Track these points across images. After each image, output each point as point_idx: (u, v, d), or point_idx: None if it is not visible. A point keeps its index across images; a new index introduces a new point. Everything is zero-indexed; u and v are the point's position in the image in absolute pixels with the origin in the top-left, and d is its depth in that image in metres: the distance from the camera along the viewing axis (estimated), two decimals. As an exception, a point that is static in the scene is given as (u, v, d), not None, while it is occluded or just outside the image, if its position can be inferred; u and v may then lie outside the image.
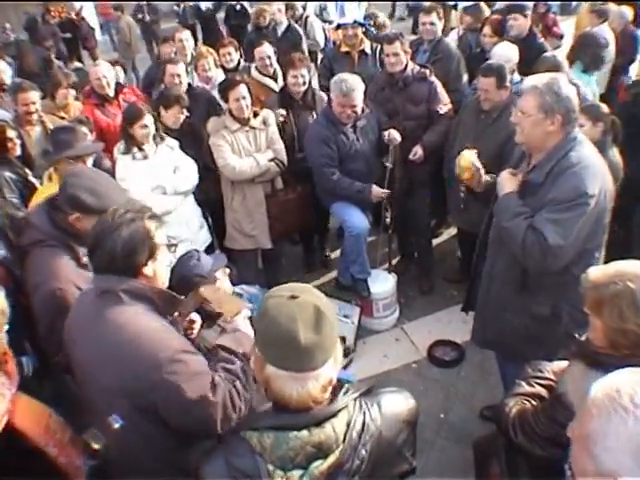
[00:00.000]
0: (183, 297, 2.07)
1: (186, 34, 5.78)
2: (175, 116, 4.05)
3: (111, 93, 4.75)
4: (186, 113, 4.12)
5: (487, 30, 5.30)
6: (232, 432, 1.42)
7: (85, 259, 2.40)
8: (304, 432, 1.30)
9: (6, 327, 2.03)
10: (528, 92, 2.51)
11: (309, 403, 1.31)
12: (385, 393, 1.51)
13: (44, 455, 1.99)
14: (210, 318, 2.57)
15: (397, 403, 1.51)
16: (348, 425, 1.35)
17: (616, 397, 1.11)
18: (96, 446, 2.00)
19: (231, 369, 1.92)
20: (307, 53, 7.02)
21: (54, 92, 4.71)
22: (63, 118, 4.50)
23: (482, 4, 6.52)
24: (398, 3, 15.62)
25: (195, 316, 2.38)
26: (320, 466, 1.30)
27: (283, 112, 4.42)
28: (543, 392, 2.05)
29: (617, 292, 1.70)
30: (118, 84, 5.03)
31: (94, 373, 1.86)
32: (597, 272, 1.82)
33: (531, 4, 5.72)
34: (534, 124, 2.49)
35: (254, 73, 5.13)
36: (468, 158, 3.09)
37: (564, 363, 2.04)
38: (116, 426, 1.77)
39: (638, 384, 1.12)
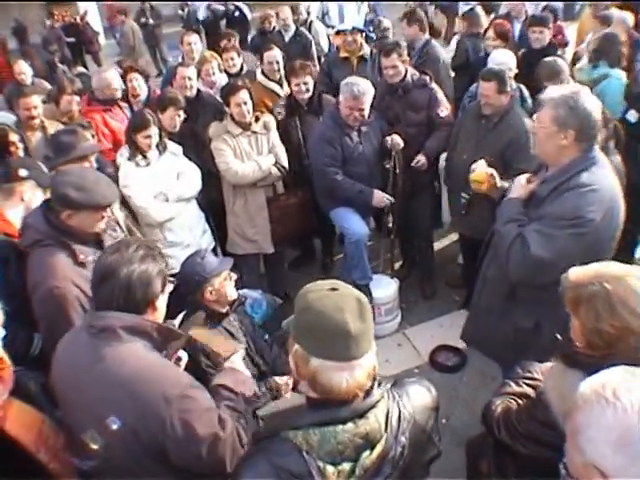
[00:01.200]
0: (176, 321, 2.06)
1: (194, 37, 5.81)
2: (171, 118, 4.05)
3: (119, 95, 4.74)
4: (183, 115, 4.12)
5: (491, 34, 5.32)
6: (271, 434, 1.40)
7: (82, 257, 2.43)
8: (350, 425, 1.33)
9: (3, 332, 2.03)
10: (545, 103, 2.47)
11: (356, 391, 1.34)
12: (410, 383, 1.59)
13: (36, 461, 1.98)
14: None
15: (422, 392, 1.59)
16: (387, 415, 1.40)
17: (601, 390, 1.16)
18: (94, 447, 2.00)
19: (235, 407, 1.91)
20: (316, 59, 7.07)
21: (58, 98, 4.71)
22: (65, 124, 4.50)
23: (479, 9, 6.54)
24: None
25: (182, 353, 2.28)
26: (370, 456, 1.34)
27: (279, 109, 4.44)
28: (530, 392, 2.06)
29: (594, 293, 1.72)
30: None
31: (93, 414, 1.78)
32: (577, 272, 1.84)
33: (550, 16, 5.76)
34: (547, 136, 2.45)
35: (260, 77, 5.15)
36: (482, 171, 3.06)
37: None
38: (114, 427, 1.75)
39: (625, 380, 1.17)
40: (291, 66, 4.49)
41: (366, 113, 3.99)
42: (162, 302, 1.94)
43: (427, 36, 5.56)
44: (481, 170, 3.05)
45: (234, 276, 2.74)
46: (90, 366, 1.78)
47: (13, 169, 2.82)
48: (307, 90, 4.39)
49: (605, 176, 2.45)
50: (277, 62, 5.11)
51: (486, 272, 2.89)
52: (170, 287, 1.98)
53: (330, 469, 1.30)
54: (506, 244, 2.53)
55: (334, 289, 1.36)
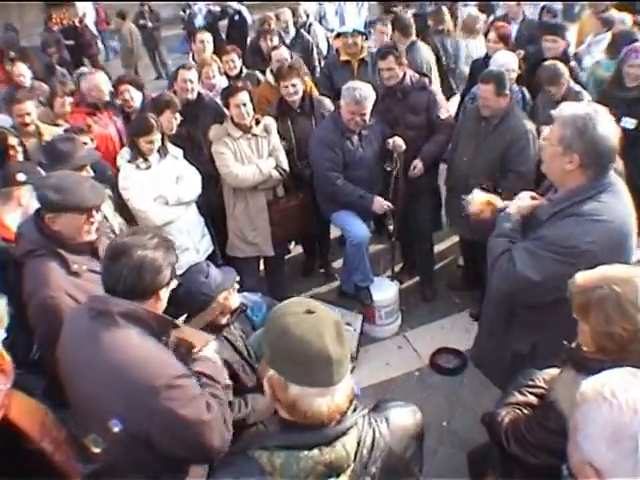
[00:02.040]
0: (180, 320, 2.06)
1: (207, 36, 5.86)
2: (168, 121, 4.04)
3: (107, 99, 4.73)
4: (179, 117, 4.12)
5: (492, 36, 5.31)
6: (238, 451, 1.40)
7: (75, 267, 2.42)
8: (315, 451, 1.28)
9: (4, 334, 2.03)
10: (556, 119, 2.27)
11: (336, 415, 1.31)
12: (392, 408, 1.51)
13: (40, 453, 2.00)
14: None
15: (405, 418, 1.51)
16: (358, 442, 1.34)
17: (600, 389, 1.18)
18: (96, 450, 2.00)
19: (217, 394, 1.93)
20: (317, 61, 7.08)
21: (52, 101, 4.73)
22: (58, 125, 4.50)
23: (475, 10, 6.62)
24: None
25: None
26: None
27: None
28: (535, 401, 2.05)
29: (603, 296, 1.71)
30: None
31: (87, 395, 1.85)
32: (584, 276, 1.82)
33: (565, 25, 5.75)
34: (553, 156, 2.27)
35: (269, 76, 5.16)
36: (479, 200, 2.93)
37: (555, 371, 2.04)
38: (116, 430, 1.76)
39: (624, 379, 1.20)
40: (279, 69, 4.49)
41: (367, 118, 3.99)
42: (165, 294, 1.96)
43: (413, 38, 5.66)
44: (477, 199, 2.87)
45: (237, 285, 2.71)
46: (86, 347, 1.85)
47: (11, 173, 2.81)
48: (295, 92, 4.36)
49: (616, 206, 2.24)
50: (286, 59, 5.12)
51: (488, 295, 2.81)
52: (174, 283, 2.00)
53: None
54: (493, 256, 2.44)
55: (310, 312, 1.31)
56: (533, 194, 2.54)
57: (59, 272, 2.39)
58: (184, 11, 12.60)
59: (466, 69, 6.05)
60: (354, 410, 1.37)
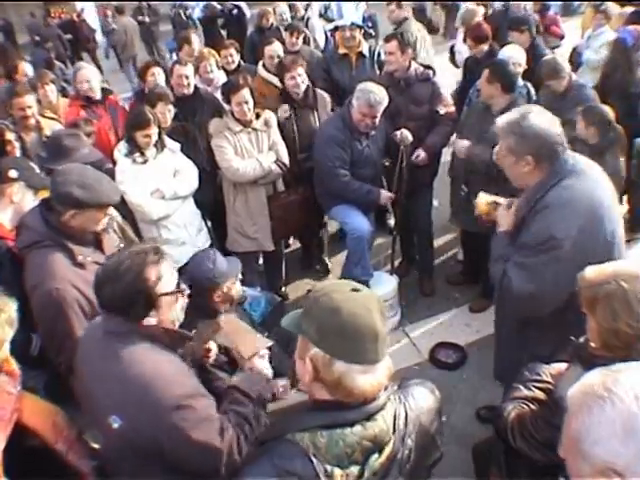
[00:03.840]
0: (194, 333, 2.01)
1: (194, 37, 5.90)
2: (162, 113, 4.02)
3: (98, 96, 4.70)
4: (173, 110, 4.12)
5: (470, 42, 5.27)
6: (276, 437, 1.35)
7: (80, 258, 2.40)
8: (358, 427, 1.29)
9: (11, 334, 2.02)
10: (498, 132, 2.38)
11: (377, 393, 1.33)
12: (414, 385, 1.57)
13: (53, 454, 1.98)
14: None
15: (426, 393, 1.56)
16: (394, 417, 1.37)
17: (590, 390, 1.14)
18: (96, 446, 1.99)
19: (242, 412, 1.88)
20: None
21: (37, 92, 4.70)
22: (54, 118, 4.50)
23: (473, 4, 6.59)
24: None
25: (212, 344, 2.29)
26: (378, 459, 1.32)
27: (286, 107, 4.38)
28: (541, 395, 2.03)
29: (610, 292, 1.70)
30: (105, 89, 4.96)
31: (99, 410, 1.81)
32: (593, 271, 1.81)
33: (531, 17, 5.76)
34: (509, 166, 2.37)
35: (261, 70, 5.14)
36: (483, 202, 2.93)
37: (562, 365, 2.03)
38: (115, 426, 1.75)
39: (606, 375, 1.16)
40: (281, 62, 4.46)
41: (377, 121, 3.94)
42: (159, 317, 1.85)
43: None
44: (482, 201, 2.88)
45: (240, 276, 2.71)
46: (99, 361, 1.81)
47: (3, 170, 2.77)
48: (302, 82, 4.35)
49: (580, 186, 2.29)
50: (278, 56, 5.10)
51: (497, 306, 2.82)
52: (174, 299, 1.90)
53: (338, 472, 1.27)
54: (497, 282, 2.44)
55: (356, 290, 1.33)
56: (507, 202, 2.55)
57: (65, 263, 2.38)
58: (173, 7, 12.57)
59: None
60: (385, 388, 1.39)
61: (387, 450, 1.33)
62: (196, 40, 5.90)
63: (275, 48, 5.14)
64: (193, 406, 1.74)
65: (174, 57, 6.31)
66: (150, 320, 1.83)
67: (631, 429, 1.08)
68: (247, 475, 1.32)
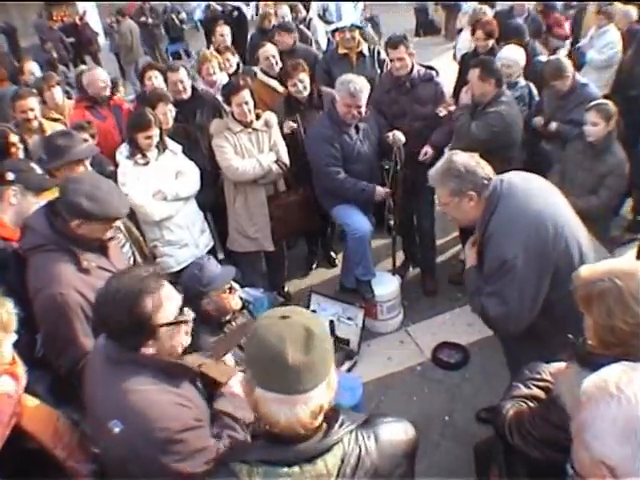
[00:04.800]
0: (193, 366, 1.95)
1: (227, 29, 6.13)
2: (163, 114, 4.04)
3: (107, 94, 4.77)
4: (174, 110, 4.13)
5: (479, 34, 5.28)
6: (221, 463, 1.36)
7: (85, 263, 2.39)
8: (295, 468, 1.24)
9: (15, 337, 2.01)
10: (435, 185, 2.59)
11: (298, 429, 1.26)
12: (383, 424, 1.44)
13: (52, 458, 1.98)
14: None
15: (395, 435, 1.43)
16: (342, 461, 1.28)
17: (604, 385, 1.17)
18: (96, 450, 1.99)
19: (234, 436, 1.86)
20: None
21: (42, 96, 4.76)
22: (57, 120, 4.54)
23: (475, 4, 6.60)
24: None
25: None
26: None
27: (294, 125, 4.40)
28: (540, 394, 2.04)
29: (605, 289, 1.71)
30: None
31: (99, 417, 1.78)
32: (588, 269, 1.82)
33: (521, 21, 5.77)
34: (457, 209, 2.54)
35: (260, 75, 5.13)
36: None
37: (562, 364, 2.03)
38: (116, 430, 1.75)
39: (624, 372, 1.18)
40: (284, 69, 4.46)
41: (363, 110, 3.97)
42: (158, 347, 1.80)
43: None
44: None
45: (237, 288, 2.67)
46: (99, 385, 1.79)
47: (0, 172, 2.78)
48: (305, 88, 4.36)
49: (515, 206, 2.43)
50: (273, 56, 5.10)
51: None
52: (175, 328, 1.84)
53: None
54: (479, 315, 2.61)
55: (285, 317, 1.28)
56: (472, 240, 2.69)
57: (69, 268, 2.37)
58: (164, 12, 12.61)
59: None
60: (341, 425, 1.32)
61: None
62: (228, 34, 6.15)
63: (268, 49, 5.14)
64: (185, 439, 1.70)
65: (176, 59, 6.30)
66: (148, 350, 1.78)
67: (631, 431, 1.10)
68: None
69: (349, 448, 1.31)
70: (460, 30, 8.15)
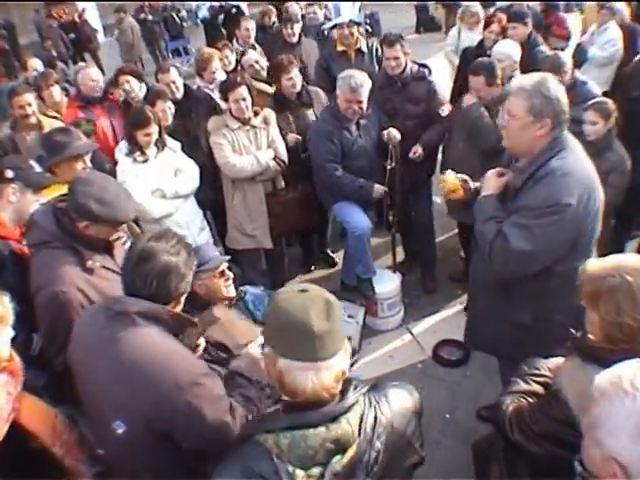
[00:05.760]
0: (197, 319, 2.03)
1: (252, 24, 6.09)
2: (163, 111, 4.03)
3: (99, 94, 4.71)
4: (173, 107, 4.13)
5: (495, 27, 5.27)
6: (244, 438, 1.43)
7: (90, 263, 2.38)
8: (321, 429, 1.31)
9: (12, 333, 2.00)
10: (516, 94, 2.39)
11: (323, 394, 1.33)
12: (390, 387, 1.55)
13: (50, 456, 1.98)
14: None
15: (403, 395, 1.55)
16: (361, 419, 1.37)
17: (618, 382, 1.15)
18: (100, 451, 1.99)
19: (248, 395, 1.92)
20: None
21: (41, 94, 4.75)
22: (55, 118, 4.51)
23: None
24: None
25: (202, 340, 2.30)
26: (340, 460, 1.32)
27: (298, 137, 4.38)
28: (539, 389, 2.03)
29: (614, 285, 1.69)
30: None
31: (107, 395, 1.82)
32: (595, 265, 1.80)
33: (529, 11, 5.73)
34: (522, 128, 2.37)
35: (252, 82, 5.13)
36: (452, 180, 2.97)
37: (560, 360, 2.02)
38: (119, 431, 1.75)
39: (639, 370, 1.16)
40: (278, 63, 4.43)
41: (364, 106, 3.95)
42: (183, 299, 1.96)
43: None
44: (451, 179, 2.94)
45: (230, 275, 2.66)
46: (105, 348, 1.81)
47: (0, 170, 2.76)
48: (298, 83, 4.35)
49: (576, 159, 2.40)
50: (256, 61, 5.14)
51: (474, 274, 2.86)
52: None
53: (300, 473, 1.30)
54: (487, 243, 2.48)
55: (304, 290, 1.37)
56: (499, 170, 2.62)
57: (73, 267, 2.35)
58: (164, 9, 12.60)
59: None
60: (355, 388, 1.41)
61: (350, 452, 1.33)
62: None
63: (251, 57, 5.22)
64: (207, 384, 1.78)
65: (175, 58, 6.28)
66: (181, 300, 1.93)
67: None
68: (217, 476, 1.37)
69: (365, 408, 1.40)
70: (452, 26, 8.15)
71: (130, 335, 1.78)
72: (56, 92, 4.80)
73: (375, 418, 1.40)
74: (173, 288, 1.85)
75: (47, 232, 2.38)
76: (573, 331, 1.92)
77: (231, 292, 2.64)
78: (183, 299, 1.95)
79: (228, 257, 2.70)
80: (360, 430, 1.36)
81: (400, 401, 1.51)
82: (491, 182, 2.60)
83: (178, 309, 1.94)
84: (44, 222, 2.41)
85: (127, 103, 4.68)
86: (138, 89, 4.71)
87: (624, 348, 1.65)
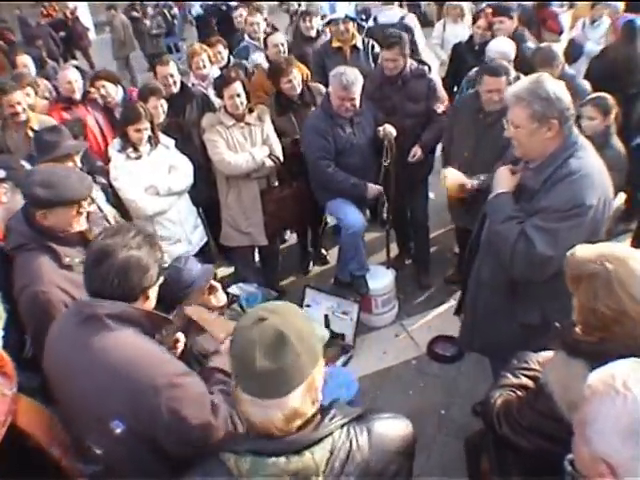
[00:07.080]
0: (172, 316, 2.01)
1: (259, 17, 5.95)
2: (155, 107, 4.01)
3: (78, 96, 4.65)
4: (165, 104, 4.12)
5: (482, 22, 5.27)
6: (211, 452, 1.37)
7: (67, 260, 2.37)
8: (282, 459, 1.24)
9: (1, 332, 1.99)
10: (515, 104, 2.35)
11: (273, 430, 1.26)
12: (378, 419, 1.41)
13: (46, 458, 1.96)
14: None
15: (390, 431, 1.41)
16: (331, 453, 1.28)
17: (610, 381, 1.14)
18: (98, 451, 1.97)
19: (228, 391, 1.84)
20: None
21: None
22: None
23: None
24: None
25: (180, 335, 2.27)
26: None
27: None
28: (529, 383, 2.02)
29: (594, 272, 1.69)
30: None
31: (86, 402, 1.76)
32: (582, 250, 1.81)
33: (515, 4, 5.77)
34: (530, 135, 2.33)
35: (265, 63, 5.11)
36: (454, 181, 2.94)
37: (550, 353, 2.02)
38: (118, 431, 1.72)
39: (634, 371, 1.16)
40: (276, 66, 4.40)
41: (357, 103, 3.92)
42: (154, 292, 1.89)
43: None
44: (452, 179, 2.92)
45: (217, 286, 2.57)
46: (78, 354, 1.75)
47: None
48: (298, 84, 4.31)
49: (591, 158, 2.37)
50: (282, 44, 5.12)
51: (479, 275, 2.77)
52: (161, 279, 1.92)
53: None
54: (509, 244, 2.40)
55: (262, 319, 1.26)
56: (511, 167, 2.57)
57: (51, 266, 2.35)
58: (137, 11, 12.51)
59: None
60: (331, 419, 1.32)
61: None
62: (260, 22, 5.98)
63: (278, 37, 5.22)
64: (184, 384, 1.72)
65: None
66: (150, 293, 1.86)
67: (634, 431, 1.08)
68: None
69: (339, 442, 1.30)
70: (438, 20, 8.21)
71: (101, 339, 1.72)
72: (27, 95, 4.70)
73: (348, 454, 1.29)
74: (137, 283, 1.78)
75: (21, 235, 2.38)
76: (558, 325, 1.92)
77: (221, 300, 2.58)
78: (153, 293, 1.88)
79: (211, 269, 2.61)
80: (327, 466, 1.26)
81: (384, 437, 1.37)
82: (504, 179, 2.54)
83: (148, 304, 1.88)
84: (17, 225, 2.41)
85: (107, 107, 4.72)
86: (114, 93, 4.73)
87: (600, 337, 1.67)
